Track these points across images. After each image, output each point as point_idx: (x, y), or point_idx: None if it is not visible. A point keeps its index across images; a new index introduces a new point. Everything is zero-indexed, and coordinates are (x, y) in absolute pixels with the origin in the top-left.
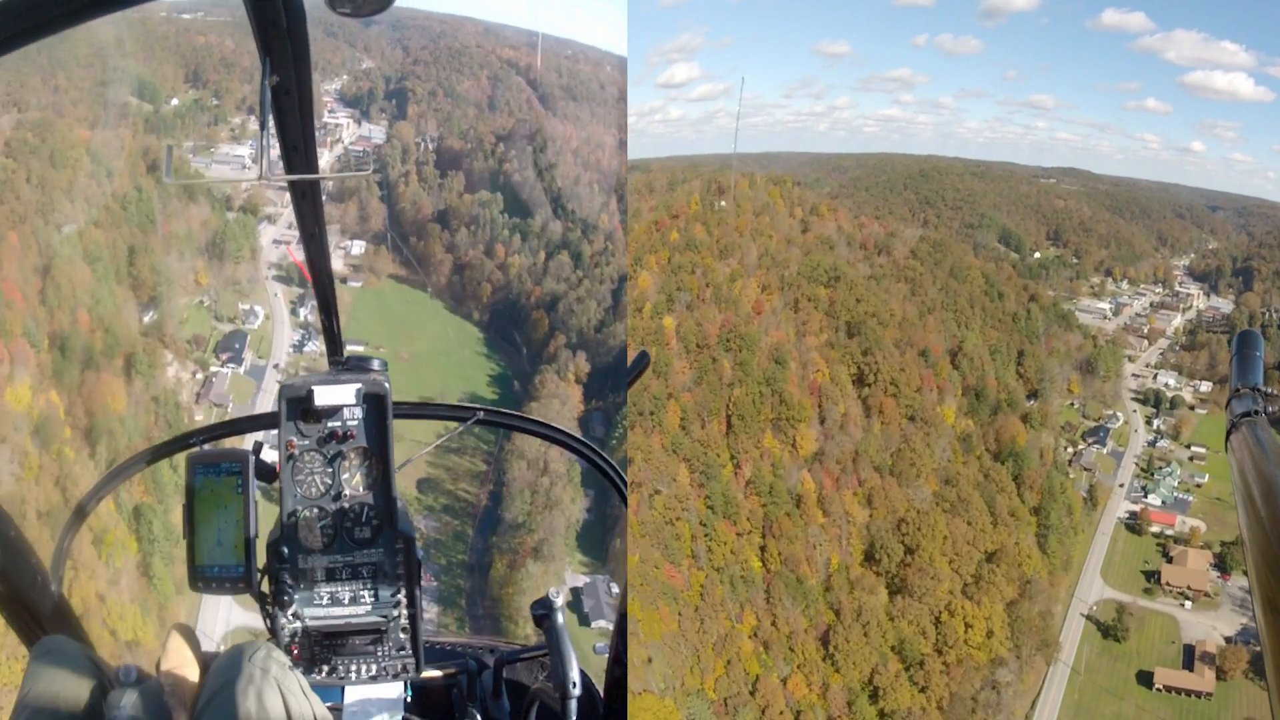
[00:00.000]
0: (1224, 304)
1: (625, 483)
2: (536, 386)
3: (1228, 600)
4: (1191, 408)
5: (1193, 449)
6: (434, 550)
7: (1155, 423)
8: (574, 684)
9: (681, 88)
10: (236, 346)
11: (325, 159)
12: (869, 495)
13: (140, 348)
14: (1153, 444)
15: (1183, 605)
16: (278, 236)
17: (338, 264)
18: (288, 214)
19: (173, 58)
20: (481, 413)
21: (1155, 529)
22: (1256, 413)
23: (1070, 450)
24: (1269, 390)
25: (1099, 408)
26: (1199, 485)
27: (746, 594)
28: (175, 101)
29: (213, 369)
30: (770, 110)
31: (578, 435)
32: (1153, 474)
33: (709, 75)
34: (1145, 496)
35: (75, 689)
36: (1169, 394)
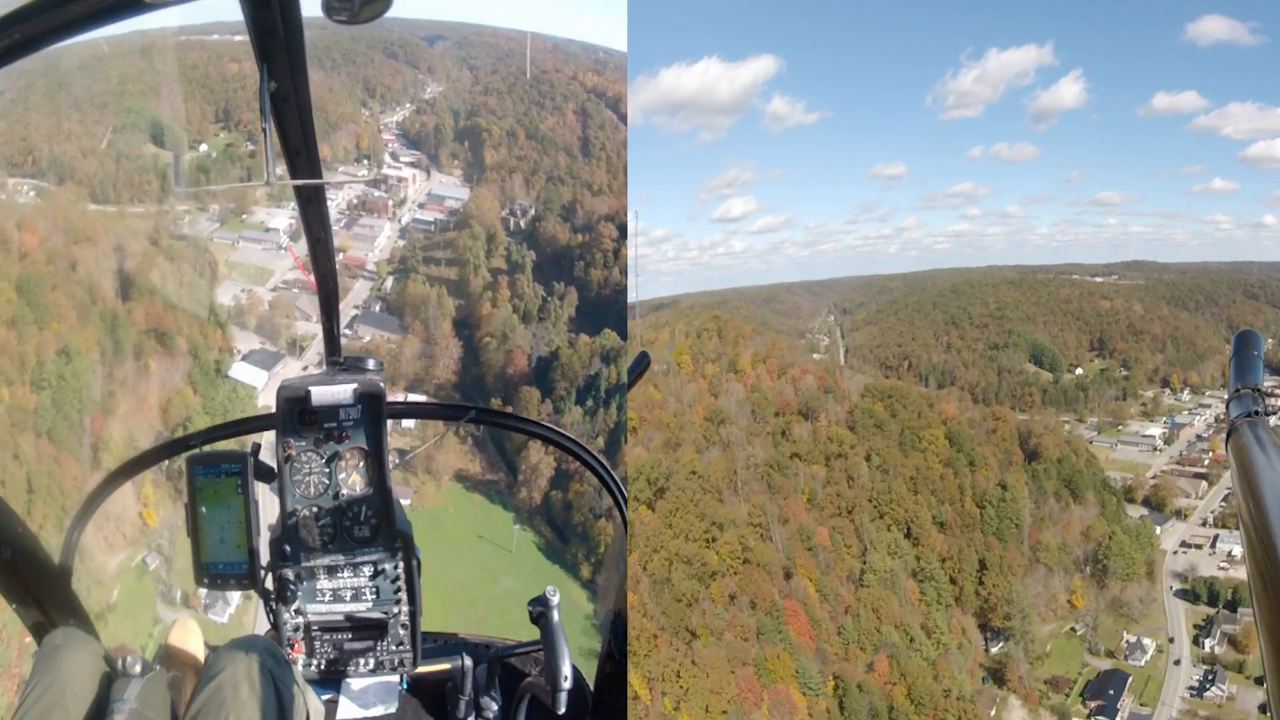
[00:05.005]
0: None
1: (618, 484)
2: None
3: None
4: None
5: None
6: None
7: (1208, 642)
8: (565, 678)
9: (739, 221)
10: None
11: (389, 232)
12: None
13: None
14: (1203, 689)
15: None
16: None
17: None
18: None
19: (200, 92)
20: (474, 411)
21: None
22: (1257, 413)
23: None
24: (1269, 390)
25: (1117, 633)
26: None
27: None
28: (204, 148)
29: None
30: (837, 237)
31: (571, 435)
32: None
33: (766, 208)
34: None
35: (82, 679)
36: (1229, 577)
